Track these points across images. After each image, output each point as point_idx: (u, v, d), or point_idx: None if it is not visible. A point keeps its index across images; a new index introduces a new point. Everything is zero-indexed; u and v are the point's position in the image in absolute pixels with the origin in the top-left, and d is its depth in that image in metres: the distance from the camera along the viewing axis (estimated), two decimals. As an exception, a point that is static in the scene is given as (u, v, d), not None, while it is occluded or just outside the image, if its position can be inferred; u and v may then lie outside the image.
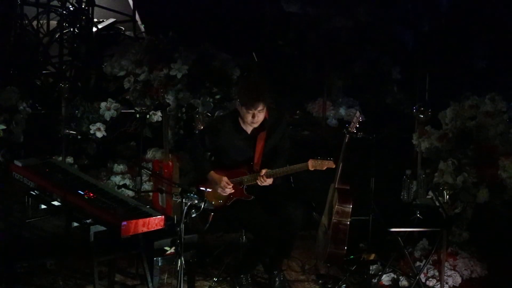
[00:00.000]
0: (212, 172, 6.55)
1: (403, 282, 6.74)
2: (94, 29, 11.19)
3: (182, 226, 5.41)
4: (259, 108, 6.38)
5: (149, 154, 8.96)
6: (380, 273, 6.81)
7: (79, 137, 9.02)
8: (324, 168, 6.46)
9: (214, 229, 6.97)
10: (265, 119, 6.53)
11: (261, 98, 6.38)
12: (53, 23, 11.04)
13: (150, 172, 8.13)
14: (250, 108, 6.38)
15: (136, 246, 6.06)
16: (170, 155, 7.63)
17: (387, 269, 6.80)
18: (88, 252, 5.78)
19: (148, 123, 9.05)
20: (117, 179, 8.72)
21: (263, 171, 6.46)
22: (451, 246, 6.90)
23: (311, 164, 6.42)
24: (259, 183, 6.48)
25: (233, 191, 6.52)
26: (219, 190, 6.51)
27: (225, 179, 6.49)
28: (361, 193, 6.87)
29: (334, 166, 6.47)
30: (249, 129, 6.57)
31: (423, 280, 6.66)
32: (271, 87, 9.87)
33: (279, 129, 6.66)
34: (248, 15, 11.27)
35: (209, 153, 6.92)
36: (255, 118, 6.43)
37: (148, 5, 11.92)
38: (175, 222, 5.57)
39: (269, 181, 6.48)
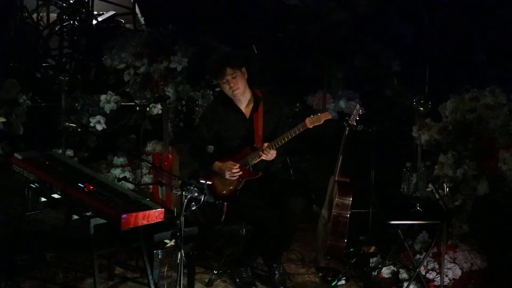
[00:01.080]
0: (216, 162, 6.56)
1: (403, 274, 6.74)
2: (94, 21, 11.19)
3: (182, 219, 5.41)
4: (229, 73, 6.43)
5: (149, 147, 8.97)
6: (380, 266, 6.82)
7: (79, 129, 9.03)
8: (322, 121, 6.40)
9: (214, 221, 6.96)
10: (259, 97, 6.57)
11: (225, 63, 6.45)
12: (53, 15, 11.05)
13: (150, 165, 8.14)
14: (222, 78, 6.47)
15: (136, 239, 6.07)
16: (170, 147, 7.62)
17: (387, 261, 6.81)
18: (88, 245, 5.79)
19: (148, 115, 9.06)
20: (117, 172, 8.73)
21: (265, 144, 6.45)
22: (451, 239, 6.90)
23: (309, 122, 6.36)
24: (264, 157, 6.46)
25: (241, 173, 6.52)
26: (227, 175, 6.51)
27: (229, 162, 6.50)
28: (361, 185, 6.87)
29: (331, 117, 6.42)
30: (243, 106, 6.60)
31: (423, 273, 6.66)
32: (271, 79, 9.91)
33: (275, 107, 6.69)
34: (248, 8, 11.26)
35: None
36: (232, 85, 6.47)
37: (148, -3, 11.93)
38: (175, 215, 5.58)
39: (273, 153, 6.46)
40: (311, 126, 6.38)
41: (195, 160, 7.06)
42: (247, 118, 6.60)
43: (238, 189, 6.55)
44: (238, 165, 6.50)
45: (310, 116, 6.39)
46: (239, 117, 6.60)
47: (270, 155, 6.45)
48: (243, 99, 6.59)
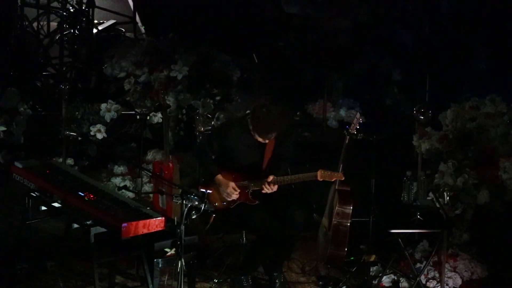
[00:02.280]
0: (219, 176, 6.54)
1: (404, 283, 6.73)
2: (95, 30, 11.19)
3: (183, 227, 5.41)
4: (271, 136, 6.40)
5: (150, 156, 8.97)
6: (380, 275, 6.81)
7: (79, 138, 9.03)
8: (333, 180, 6.44)
9: (214, 230, 6.97)
10: None
11: (275, 131, 6.36)
12: (54, 24, 11.05)
13: (150, 174, 8.14)
14: (263, 138, 6.40)
15: (137, 247, 6.06)
16: (170, 156, 7.63)
17: (388, 270, 6.80)
18: (88, 253, 5.78)
19: (149, 124, 9.06)
20: (117, 181, 8.72)
21: (270, 177, 6.42)
22: (451, 248, 6.90)
23: (320, 175, 6.36)
24: (265, 190, 6.44)
25: (238, 196, 6.51)
26: (225, 195, 6.50)
27: (232, 184, 6.47)
28: (361, 194, 6.87)
29: (343, 178, 6.44)
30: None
31: (424, 282, 6.65)
32: (271, 88, 9.91)
33: (289, 138, 6.66)
34: (248, 16, 11.27)
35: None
36: (266, 141, 6.44)
37: (148, 6, 11.93)
38: (176, 223, 5.57)
39: (274, 189, 6.45)
40: (320, 179, 6.38)
41: (198, 162, 7.02)
42: (260, 144, 6.54)
43: (230, 207, 6.54)
44: (239, 190, 6.49)
45: (324, 169, 6.37)
46: (253, 143, 6.55)
47: (271, 190, 6.45)
48: None
